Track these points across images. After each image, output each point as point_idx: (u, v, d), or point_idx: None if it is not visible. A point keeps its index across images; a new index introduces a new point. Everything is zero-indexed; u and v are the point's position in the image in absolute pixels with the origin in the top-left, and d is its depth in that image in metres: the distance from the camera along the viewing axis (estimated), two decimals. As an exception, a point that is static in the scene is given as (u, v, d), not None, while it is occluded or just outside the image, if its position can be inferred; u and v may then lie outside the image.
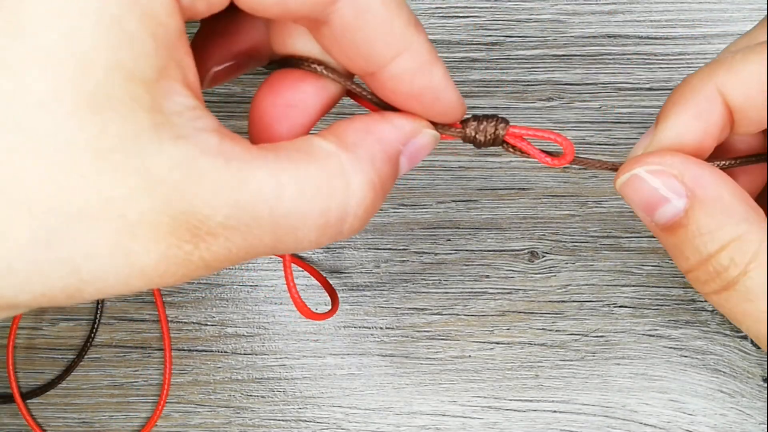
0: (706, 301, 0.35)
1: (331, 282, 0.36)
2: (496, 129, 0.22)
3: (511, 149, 0.23)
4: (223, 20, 0.22)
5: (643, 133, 0.36)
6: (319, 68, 0.21)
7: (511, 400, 0.36)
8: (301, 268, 0.36)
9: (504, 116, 0.23)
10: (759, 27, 0.23)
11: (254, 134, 0.22)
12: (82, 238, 0.17)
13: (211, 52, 0.22)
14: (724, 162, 0.23)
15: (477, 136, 0.23)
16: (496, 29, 0.35)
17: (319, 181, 0.19)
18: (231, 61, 0.22)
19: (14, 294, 0.17)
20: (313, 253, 0.36)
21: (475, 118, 0.23)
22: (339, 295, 0.36)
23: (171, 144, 0.17)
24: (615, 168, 0.23)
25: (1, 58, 0.16)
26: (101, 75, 0.17)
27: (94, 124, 0.16)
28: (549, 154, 0.23)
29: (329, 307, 0.34)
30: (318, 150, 0.20)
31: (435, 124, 0.22)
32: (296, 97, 0.22)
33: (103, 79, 0.17)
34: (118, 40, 0.17)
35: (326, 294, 0.36)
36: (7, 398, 0.36)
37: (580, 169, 0.35)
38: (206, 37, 0.22)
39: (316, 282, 0.36)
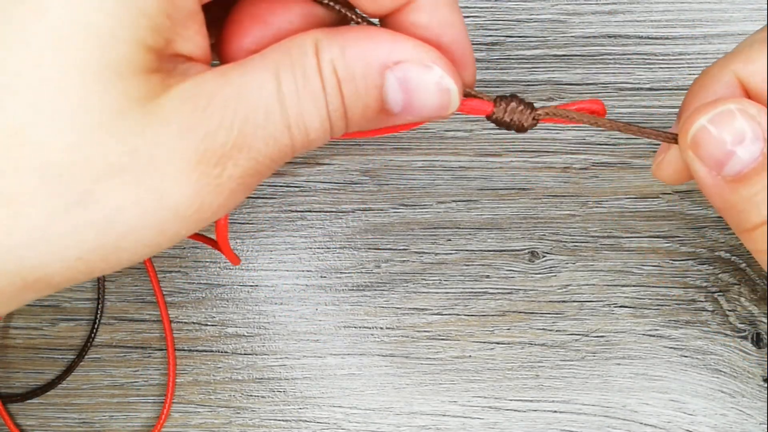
0: (706, 301, 0.35)
1: (330, 282, 0.36)
2: (530, 119, 0.22)
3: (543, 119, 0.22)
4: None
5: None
6: None
7: (511, 400, 0.36)
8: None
9: (538, 108, 0.22)
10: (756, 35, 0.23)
11: (224, 32, 0.22)
12: (113, 193, 0.18)
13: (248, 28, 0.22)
14: None
15: (506, 118, 0.22)
16: (496, 29, 0.35)
17: (304, 64, 0.19)
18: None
19: (49, 261, 0.18)
20: (314, 252, 0.36)
21: (520, 100, 0.22)
22: (340, 295, 0.36)
23: (176, 85, 0.18)
24: (668, 137, 0.22)
25: (27, 38, 0.17)
26: (122, 48, 0.18)
27: (116, 89, 0.18)
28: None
29: (328, 307, 0.35)
30: (298, 37, 0.20)
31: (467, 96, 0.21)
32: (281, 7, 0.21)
33: (124, 51, 0.18)
34: (137, 18, 0.18)
35: (325, 294, 0.36)
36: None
37: (580, 168, 0.35)
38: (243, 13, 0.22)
39: (316, 281, 0.36)
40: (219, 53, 0.22)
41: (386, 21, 0.21)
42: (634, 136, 0.35)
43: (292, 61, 0.19)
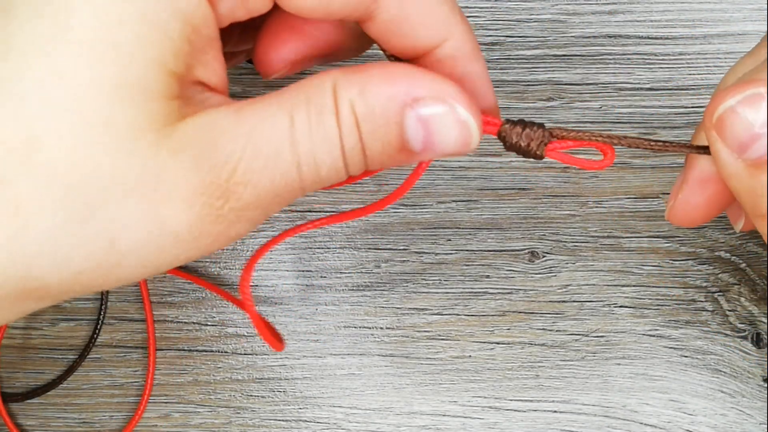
0: (706, 301, 0.35)
1: (330, 282, 0.36)
2: (540, 143, 0.22)
3: (552, 155, 0.22)
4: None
5: (645, 133, 0.36)
6: None
7: (511, 400, 0.36)
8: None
9: (550, 128, 0.22)
10: (759, 47, 0.23)
11: (261, 43, 0.22)
12: (118, 211, 0.18)
13: (284, 41, 0.23)
14: None
15: (519, 142, 0.22)
16: (496, 29, 0.35)
17: (320, 104, 0.19)
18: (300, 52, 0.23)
19: (51, 272, 0.18)
20: (314, 252, 0.36)
21: (523, 124, 0.22)
22: (340, 295, 0.36)
23: (192, 116, 0.19)
24: (697, 149, 0.22)
25: (49, 50, 0.17)
26: (143, 68, 0.18)
27: (133, 109, 0.18)
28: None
29: (328, 307, 0.34)
30: (317, 77, 0.20)
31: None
32: (315, 27, 0.22)
33: (145, 71, 0.18)
34: (160, 39, 0.18)
35: (325, 294, 0.36)
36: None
37: (580, 168, 0.35)
38: (279, 26, 0.23)
39: (316, 281, 0.36)
40: (258, 65, 0.22)
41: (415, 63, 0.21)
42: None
43: (308, 100, 0.19)
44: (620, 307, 0.36)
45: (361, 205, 0.36)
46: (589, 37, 0.35)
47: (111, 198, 0.18)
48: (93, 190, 0.18)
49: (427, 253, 0.36)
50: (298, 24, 0.22)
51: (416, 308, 0.36)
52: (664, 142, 0.22)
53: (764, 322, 0.35)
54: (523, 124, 0.21)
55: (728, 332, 0.35)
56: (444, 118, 0.19)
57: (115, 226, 0.18)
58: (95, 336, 0.36)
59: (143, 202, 0.18)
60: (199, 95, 0.20)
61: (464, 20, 0.21)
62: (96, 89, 0.17)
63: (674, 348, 0.36)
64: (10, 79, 0.17)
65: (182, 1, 0.18)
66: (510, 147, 0.22)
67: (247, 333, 0.36)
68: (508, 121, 0.22)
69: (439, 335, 0.36)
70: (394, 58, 0.22)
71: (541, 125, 0.22)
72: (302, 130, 0.19)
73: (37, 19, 0.17)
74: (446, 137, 0.20)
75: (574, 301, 0.36)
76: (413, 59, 0.21)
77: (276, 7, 0.21)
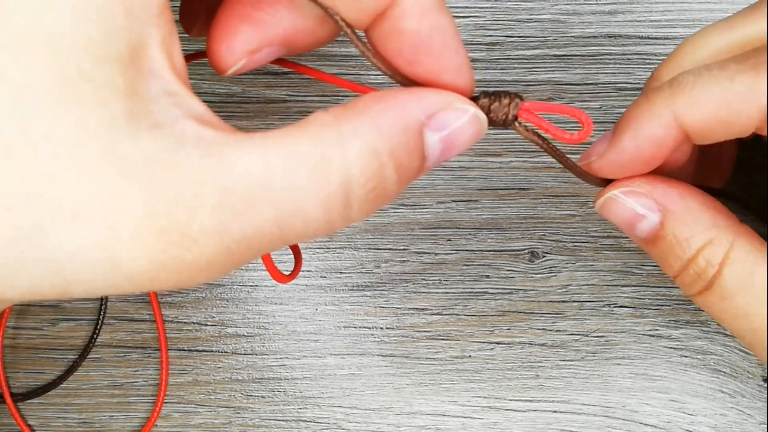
0: (706, 301, 0.36)
1: (330, 282, 0.36)
2: (509, 106, 0.21)
3: (522, 128, 0.22)
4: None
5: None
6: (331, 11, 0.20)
7: (511, 400, 0.36)
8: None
9: (516, 92, 0.22)
10: (711, 31, 0.24)
11: (213, 34, 0.20)
12: (64, 238, 0.16)
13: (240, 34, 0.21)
14: None
15: (490, 114, 0.21)
16: (496, 29, 0.35)
17: (312, 152, 0.17)
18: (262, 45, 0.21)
19: (2, 289, 0.16)
20: (314, 252, 0.36)
21: (487, 94, 0.21)
22: (340, 295, 0.36)
23: (147, 134, 0.16)
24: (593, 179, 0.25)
25: None
26: (74, 57, 0.15)
27: (70, 114, 0.15)
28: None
29: (328, 307, 0.34)
30: (315, 121, 0.18)
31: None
32: (271, 10, 0.20)
33: (77, 61, 0.15)
34: (88, 15, 0.15)
35: (325, 294, 0.36)
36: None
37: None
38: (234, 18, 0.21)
39: (316, 281, 0.36)
40: (211, 59, 0.21)
41: (372, 31, 0.20)
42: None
43: (299, 147, 0.17)
44: (620, 307, 0.36)
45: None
46: (589, 37, 0.35)
47: (56, 224, 0.16)
48: (34, 211, 0.15)
49: (427, 253, 0.36)
50: (248, 11, 0.20)
51: (416, 308, 0.36)
52: (576, 166, 0.24)
53: (764, 322, 0.35)
54: (489, 97, 0.21)
55: (728, 332, 0.35)
56: (459, 124, 0.20)
57: (61, 255, 0.16)
58: (95, 336, 0.36)
59: (92, 234, 0.16)
60: (161, 99, 0.17)
61: None
62: (32, 95, 0.15)
63: (674, 348, 0.36)
64: None
65: None
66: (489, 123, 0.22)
67: (247, 333, 0.36)
68: (475, 98, 0.21)
69: (439, 335, 0.36)
70: (349, 26, 0.20)
71: (506, 93, 0.21)
72: (282, 183, 0.17)
73: None
74: (464, 139, 0.20)
75: (574, 301, 0.36)
76: (373, 22, 0.20)
77: None
